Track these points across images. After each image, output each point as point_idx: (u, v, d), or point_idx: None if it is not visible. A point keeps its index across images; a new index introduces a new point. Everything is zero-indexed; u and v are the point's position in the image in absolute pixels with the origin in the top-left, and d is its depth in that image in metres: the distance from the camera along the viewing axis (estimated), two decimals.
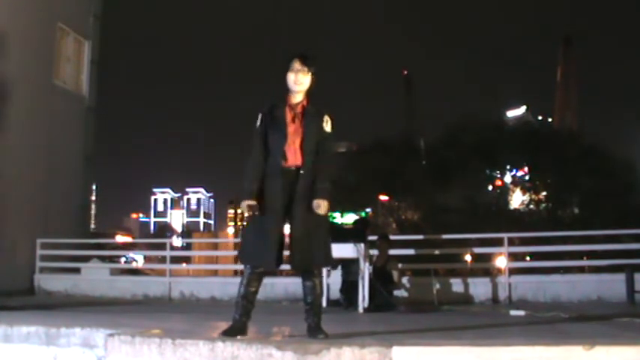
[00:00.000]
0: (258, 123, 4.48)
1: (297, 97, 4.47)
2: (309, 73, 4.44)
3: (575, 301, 9.52)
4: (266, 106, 4.51)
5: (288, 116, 4.43)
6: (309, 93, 4.50)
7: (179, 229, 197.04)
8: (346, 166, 26.57)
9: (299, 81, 4.42)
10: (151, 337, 4.01)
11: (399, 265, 9.42)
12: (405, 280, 9.86)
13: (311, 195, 4.33)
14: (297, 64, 4.42)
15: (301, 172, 4.36)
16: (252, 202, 4.38)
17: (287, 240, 4.37)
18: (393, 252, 9.59)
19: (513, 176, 28.55)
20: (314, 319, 4.35)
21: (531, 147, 26.61)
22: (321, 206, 4.31)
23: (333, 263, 4.79)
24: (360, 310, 8.11)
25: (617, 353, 3.60)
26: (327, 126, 4.50)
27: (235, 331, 4.25)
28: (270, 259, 4.29)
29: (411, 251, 10.84)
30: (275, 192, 4.34)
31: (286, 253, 4.39)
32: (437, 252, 12.21)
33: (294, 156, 4.38)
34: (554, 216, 26.90)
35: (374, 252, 9.19)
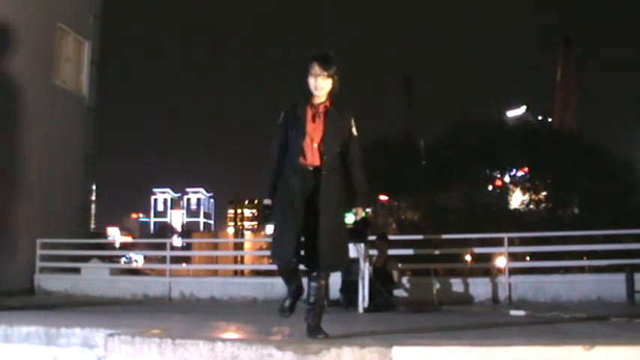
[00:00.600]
0: (280, 121, 4.50)
1: (320, 98, 4.46)
2: (329, 77, 4.40)
3: (575, 301, 9.51)
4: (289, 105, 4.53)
5: (309, 115, 4.43)
6: (333, 94, 4.47)
7: (179, 229, 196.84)
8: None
9: (319, 86, 4.40)
10: (151, 337, 4.01)
11: (399, 265, 9.43)
12: (405, 280, 9.86)
13: (334, 196, 4.35)
14: (316, 69, 4.38)
15: (323, 173, 4.35)
16: (268, 202, 4.49)
17: (307, 239, 4.33)
18: (392, 252, 9.59)
19: (513, 176, 28.55)
20: (314, 320, 4.34)
21: (531, 147, 26.61)
22: (360, 213, 4.51)
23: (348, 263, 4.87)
24: (360, 310, 8.12)
25: (617, 353, 3.60)
26: (354, 128, 4.52)
27: (291, 306, 4.50)
28: (287, 254, 4.31)
29: (410, 251, 10.84)
30: (292, 190, 4.35)
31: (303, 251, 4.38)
32: (437, 252, 12.23)
33: (312, 155, 4.38)
34: (554, 216, 26.92)
35: (374, 252, 9.19)
